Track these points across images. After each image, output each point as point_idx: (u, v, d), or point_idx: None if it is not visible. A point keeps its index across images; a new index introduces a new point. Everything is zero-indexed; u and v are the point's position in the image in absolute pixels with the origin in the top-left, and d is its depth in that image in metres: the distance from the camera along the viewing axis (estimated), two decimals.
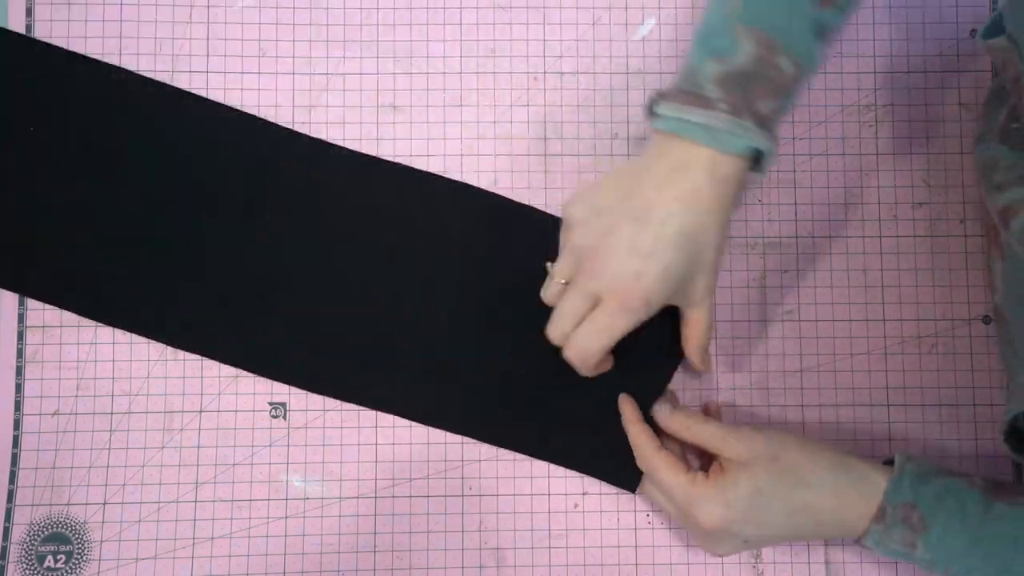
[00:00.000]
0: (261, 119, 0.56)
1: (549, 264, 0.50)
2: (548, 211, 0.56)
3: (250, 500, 0.54)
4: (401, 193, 0.55)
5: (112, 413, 0.54)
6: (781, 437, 0.50)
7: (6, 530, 0.53)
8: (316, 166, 0.55)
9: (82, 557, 0.53)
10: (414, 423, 0.54)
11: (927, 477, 0.48)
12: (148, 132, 0.55)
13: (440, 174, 0.56)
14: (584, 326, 0.48)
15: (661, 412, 0.52)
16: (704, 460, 0.53)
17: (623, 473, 0.53)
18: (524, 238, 0.55)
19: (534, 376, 0.54)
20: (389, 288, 0.55)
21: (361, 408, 0.55)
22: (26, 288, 0.54)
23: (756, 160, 0.46)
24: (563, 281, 0.49)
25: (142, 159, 0.55)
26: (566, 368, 0.50)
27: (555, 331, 0.49)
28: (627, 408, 0.53)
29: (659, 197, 0.45)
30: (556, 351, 0.49)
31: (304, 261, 0.54)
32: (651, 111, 0.46)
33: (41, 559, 0.53)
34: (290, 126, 0.56)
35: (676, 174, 0.45)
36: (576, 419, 0.54)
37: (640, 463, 0.52)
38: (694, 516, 0.48)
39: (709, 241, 0.46)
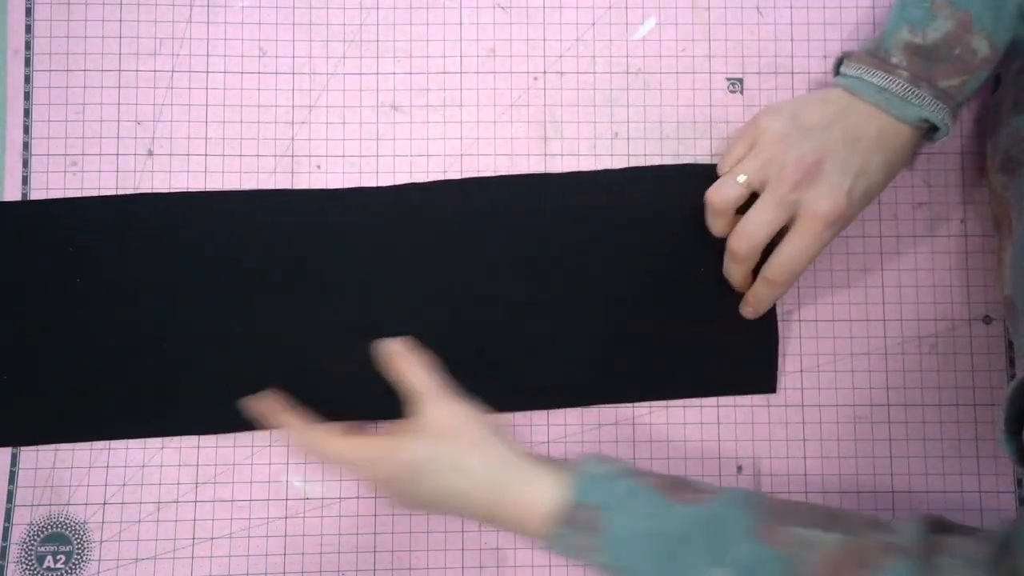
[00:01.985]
0: (231, 193, 0.55)
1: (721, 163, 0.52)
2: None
3: (250, 500, 0.54)
4: (386, 213, 0.55)
5: None
6: (479, 427, 0.48)
7: (6, 530, 0.53)
8: (287, 216, 0.55)
9: (82, 557, 0.53)
10: None
11: (616, 475, 0.46)
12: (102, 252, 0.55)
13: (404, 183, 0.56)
14: (787, 247, 0.49)
15: (386, 349, 0.51)
16: None
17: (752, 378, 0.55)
18: (527, 207, 0.56)
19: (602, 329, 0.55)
20: (407, 301, 0.55)
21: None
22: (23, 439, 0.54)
23: (931, 132, 0.49)
24: (742, 179, 0.50)
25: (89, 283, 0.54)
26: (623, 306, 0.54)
27: (745, 242, 0.49)
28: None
29: (867, 126, 0.48)
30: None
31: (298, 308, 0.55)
32: (837, 69, 0.49)
33: (41, 559, 0.53)
34: (290, 126, 0.56)
35: (852, 141, 0.48)
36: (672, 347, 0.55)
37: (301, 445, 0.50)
38: (395, 452, 0.47)
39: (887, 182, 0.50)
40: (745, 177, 0.50)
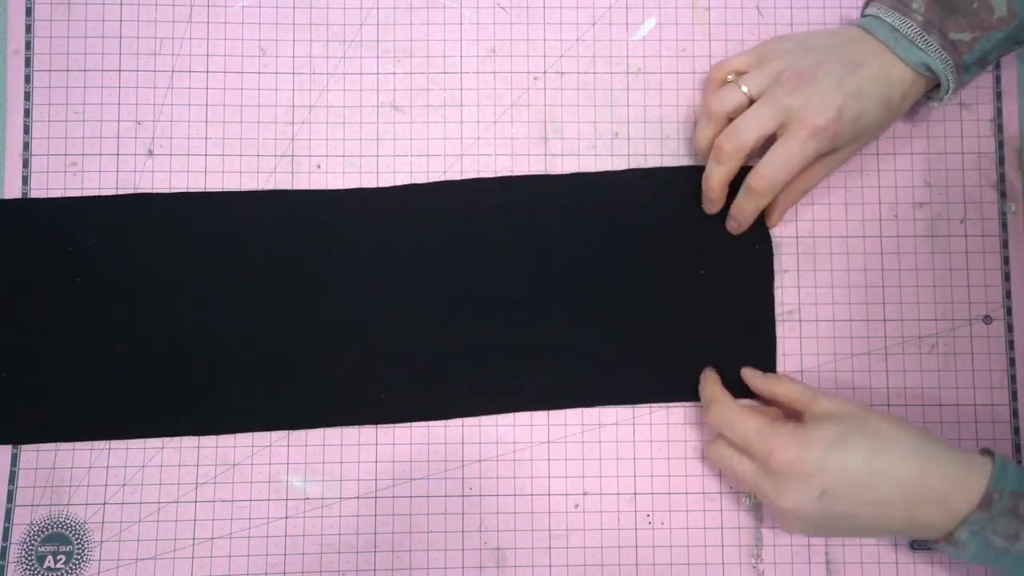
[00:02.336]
0: (229, 194, 0.55)
1: (731, 75, 0.52)
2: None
3: (250, 500, 0.54)
4: (378, 212, 0.56)
5: None
6: (871, 408, 0.50)
7: (6, 530, 0.53)
8: (286, 218, 0.55)
9: (82, 557, 0.53)
10: (414, 423, 0.55)
11: None
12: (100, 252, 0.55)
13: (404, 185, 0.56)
14: (772, 153, 0.50)
15: (750, 374, 0.53)
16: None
17: (673, 389, 0.55)
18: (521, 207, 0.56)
19: (562, 332, 0.55)
20: (386, 302, 0.55)
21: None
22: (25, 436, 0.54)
23: (934, 90, 0.51)
24: (745, 89, 0.51)
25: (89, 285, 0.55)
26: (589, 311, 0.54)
27: (734, 140, 0.50)
28: (708, 376, 0.54)
29: (872, 59, 0.50)
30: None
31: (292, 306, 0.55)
32: (863, 12, 0.52)
33: (41, 559, 0.53)
34: (290, 126, 0.56)
35: (852, 66, 0.49)
36: (616, 356, 0.55)
37: (714, 417, 0.51)
38: (771, 452, 0.47)
39: (880, 122, 0.51)
40: (747, 88, 0.51)
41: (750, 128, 0.50)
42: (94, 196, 0.55)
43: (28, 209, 0.55)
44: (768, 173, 0.50)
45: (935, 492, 0.45)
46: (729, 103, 0.51)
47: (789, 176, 0.50)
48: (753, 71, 0.51)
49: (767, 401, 0.53)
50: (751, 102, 0.51)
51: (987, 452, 0.48)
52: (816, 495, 0.46)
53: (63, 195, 0.55)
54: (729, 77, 0.52)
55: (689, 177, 0.55)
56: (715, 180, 0.52)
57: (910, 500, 0.46)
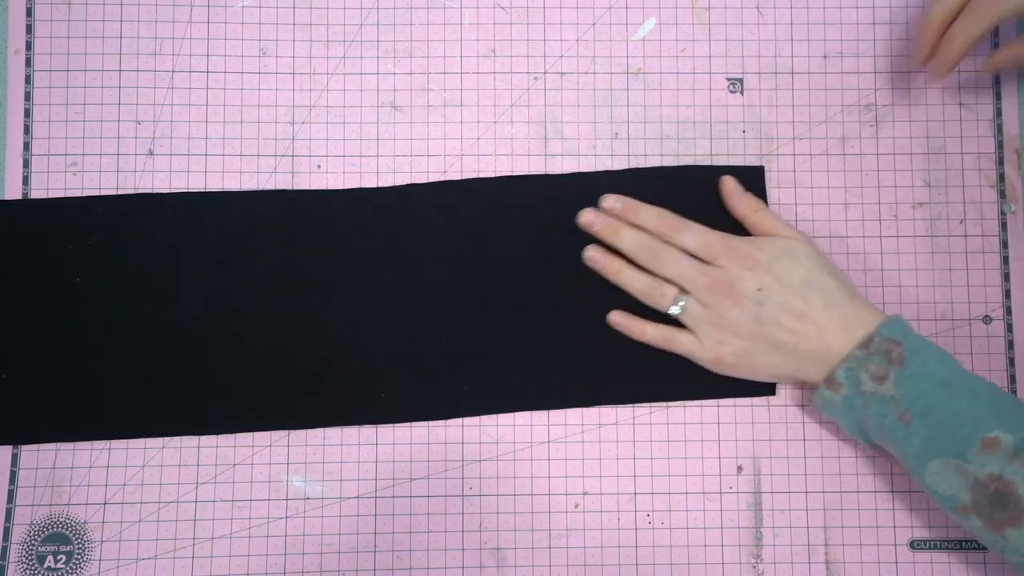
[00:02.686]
0: (231, 193, 0.55)
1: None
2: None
3: (250, 500, 0.54)
4: (370, 214, 0.56)
5: None
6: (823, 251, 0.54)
7: (6, 530, 0.53)
8: (291, 218, 0.55)
9: (82, 557, 0.53)
10: (414, 424, 0.55)
11: (916, 333, 0.50)
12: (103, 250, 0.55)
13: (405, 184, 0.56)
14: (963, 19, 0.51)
15: (730, 188, 0.55)
16: None
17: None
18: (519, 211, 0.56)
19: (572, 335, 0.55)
20: (389, 303, 0.55)
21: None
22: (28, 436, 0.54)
23: None
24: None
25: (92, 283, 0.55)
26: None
27: (941, 10, 0.51)
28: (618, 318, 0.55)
29: None
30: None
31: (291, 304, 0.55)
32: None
33: (41, 559, 0.53)
34: (290, 126, 0.56)
35: None
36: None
37: (669, 221, 0.53)
38: (725, 252, 0.51)
39: None
40: None
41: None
42: (94, 196, 0.55)
43: (28, 209, 0.55)
44: (963, 32, 0.50)
45: (844, 318, 0.50)
46: (663, 299, 0.53)
47: (977, 38, 0.51)
48: (700, 308, 0.52)
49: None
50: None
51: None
52: (754, 288, 0.51)
53: (63, 195, 0.55)
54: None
55: (689, 177, 0.55)
56: (948, 49, 0.52)
57: (828, 320, 0.50)
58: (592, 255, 0.54)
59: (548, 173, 0.56)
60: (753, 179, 0.56)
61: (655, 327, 0.53)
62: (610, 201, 0.54)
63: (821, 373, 0.51)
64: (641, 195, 0.55)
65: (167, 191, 0.55)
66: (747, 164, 0.56)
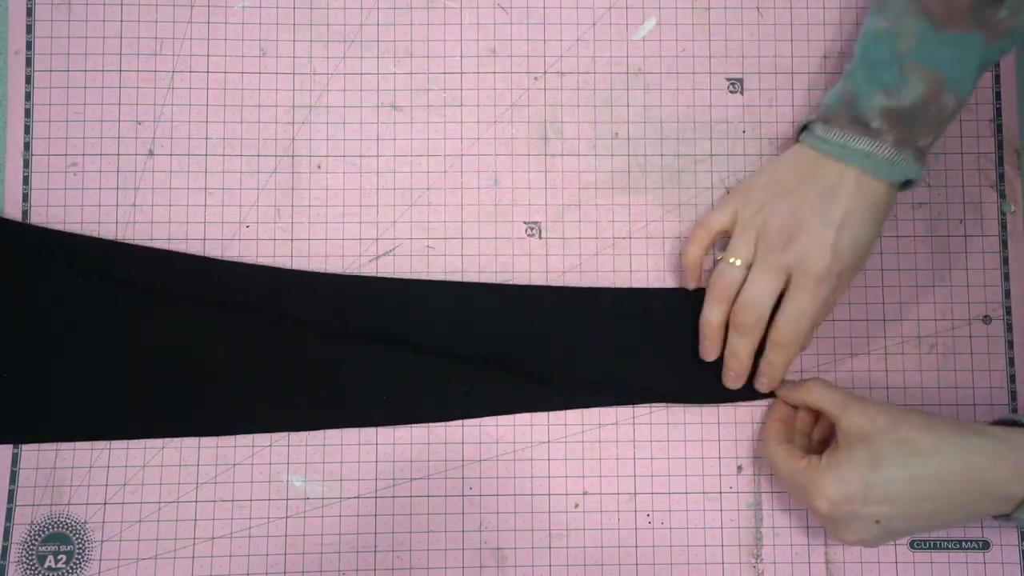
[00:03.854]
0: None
1: (717, 251, 0.52)
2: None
3: (250, 500, 0.54)
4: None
5: None
6: (903, 409, 0.49)
7: (7, 530, 0.53)
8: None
9: (83, 557, 0.53)
10: (414, 424, 0.55)
11: None
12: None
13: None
14: (786, 308, 0.50)
15: (785, 389, 0.53)
16: (819, 446, 0.54)
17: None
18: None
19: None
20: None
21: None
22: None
23: (904, 184, 0.49)
24: (739, 262, 0.50)
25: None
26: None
27: (752, 314, 0.50)
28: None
29: (845, 180, 0.49)
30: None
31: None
32: (807, 129, 0.50)
33: (42, 559, 0.53)
34: (290, 126, 0.56)
35: (828, 193, 0.49)
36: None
37: (762, 451, 0.53)
38: (812, 500, 0.48)
39: (876, 235, 0.50)
40: (738, 259, 0.51)
41: (760, 298, 0.50)
42: (93, 237, 0.55)
43: (29, 232, 0.55)
44: (789, 326, 0.50)
45: (989, 485, 0.46)
46: (731, 281, 0.51)
47: (813, 324, 0.50)
48: (737, 238, 0.51)
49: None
50: (748, 267, 0.51)
51: (1016, 423, 0.48)
52: (872, 523, 0.47)
53: (63, 195, 0.55)
54: (717, 255, 0.53)
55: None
56: (743, 353, 0.52)
57: (965, 497, 0.46)
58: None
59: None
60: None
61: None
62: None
63: (996, 511, 0.47)
64: (654, 309, 0.55)
65: (167, 190, 0.55)
66: None
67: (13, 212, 0.55)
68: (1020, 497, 0.46)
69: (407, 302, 0.55)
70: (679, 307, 0.55)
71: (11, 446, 0.54)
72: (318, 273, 0.55)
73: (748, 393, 0.54)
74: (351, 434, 0.55)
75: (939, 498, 0.46)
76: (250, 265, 0.55)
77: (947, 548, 0.54)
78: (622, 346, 0.55)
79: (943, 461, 0.46)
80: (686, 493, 0.55)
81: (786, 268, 0.49)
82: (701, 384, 0.54)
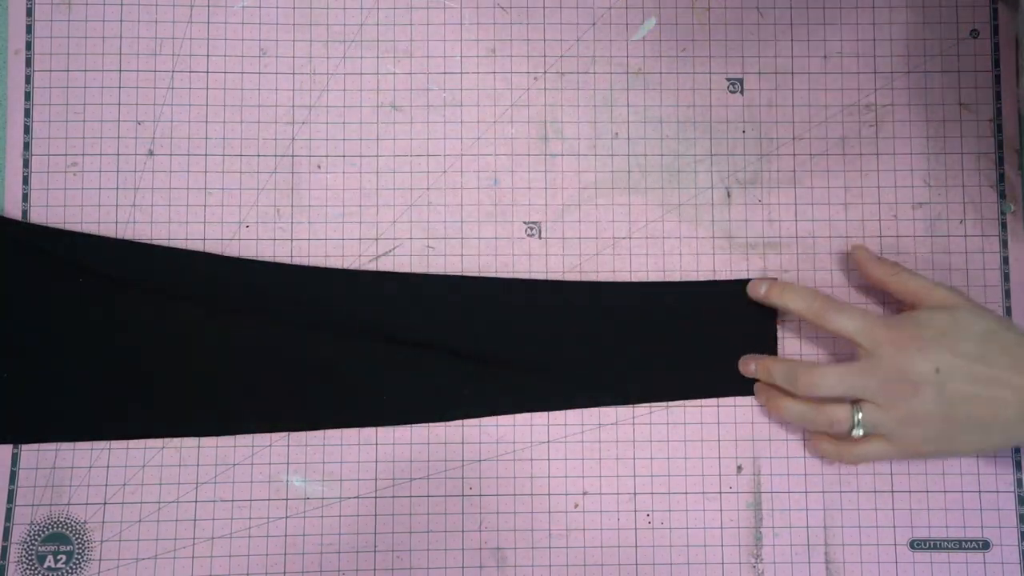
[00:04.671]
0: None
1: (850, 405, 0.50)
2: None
3: (250, 500, 0.54)
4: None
5: None
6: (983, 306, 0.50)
7: (6, 530, 0.53)
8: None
9: (82, 557, 0.53)
10: (414, 424, 0.55)
11: None
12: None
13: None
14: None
15: (863, 256, 0.53)
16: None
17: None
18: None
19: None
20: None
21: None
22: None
23: None
24: (859, 432, 0.50)
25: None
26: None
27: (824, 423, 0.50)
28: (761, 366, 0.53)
29: None
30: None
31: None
32: None
33: (41, 559, 0.53)
34: (290, 126, 0.56)
35: None
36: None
37: (804, 383, 0.50)
38: (883, 339, 0.47)
39: None
40: (862, 427, 0.50)
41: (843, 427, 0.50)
42: (95, 235, 0.55)
43: (31, 231, 0.55)
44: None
45: None
46: (837, 425, 0.50)
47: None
48: (880, 411, 0.49)
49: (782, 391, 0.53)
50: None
51: None
52: (932, 369, 0.46)
53: (63, 195, 0.55)
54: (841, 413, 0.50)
55: (706, 291, 0.56)
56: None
57: (1022, 379, 0.46)
58: (757, 397, 0.54)
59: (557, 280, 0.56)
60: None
61: (836, 447, 0.51)
62: (755, 290, 0.53)
63: None
64: (655, 307, 0.55)
65: (167, 190, 0.55)
66: (760, 275, 0.56)
67: (13, 212, 0.55)
68: None
69: (408, 295, 0.55)
70: (684, 302, 0.55)
71: (11, 446, 0.54)
72: (318, 268, 0.55)
73: (748, 388, 0.54)
74: (351, 434, 0.55)
75: (998, 367, 0.46)
76: (250, 260, 0.55)
77: (947, 548, 0.54)
78: (622, 338, 0.55)
79: (1012, 338, 0.47)
80: (686, 493, 0.55)
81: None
82: (700, 380, 0.54)
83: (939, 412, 0.47)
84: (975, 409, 0.47)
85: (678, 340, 0.55)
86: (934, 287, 0.50)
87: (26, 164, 0.56)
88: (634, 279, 0.56)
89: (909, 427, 0.48)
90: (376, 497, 0.54)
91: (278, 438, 0.54)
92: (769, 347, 0.55)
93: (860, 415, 0.49)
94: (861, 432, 0.50)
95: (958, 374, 0.46)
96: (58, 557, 0.53)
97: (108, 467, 0.54)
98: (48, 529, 0.53)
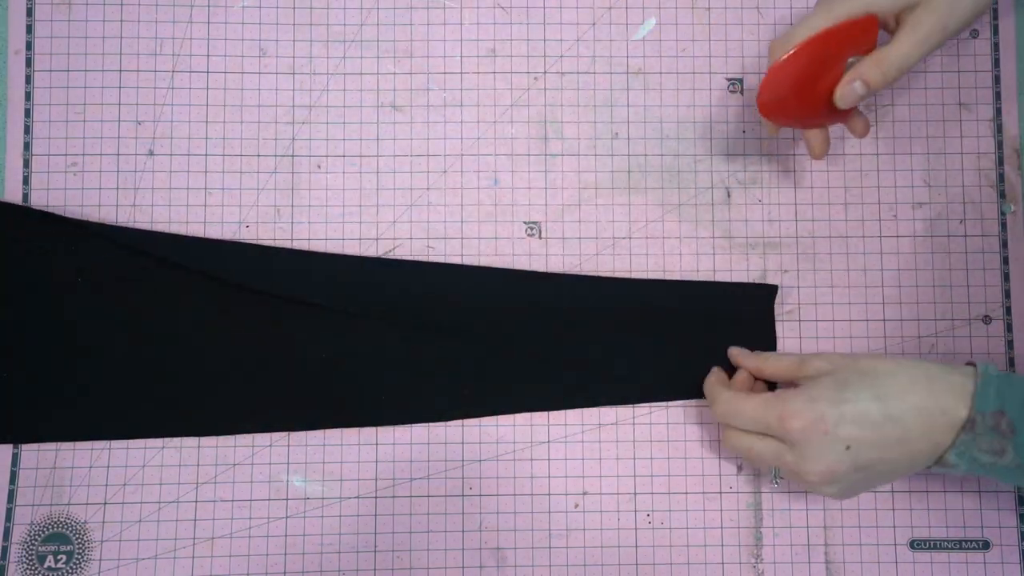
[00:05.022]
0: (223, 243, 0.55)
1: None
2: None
3: (250, 500, 0.54)
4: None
5: None
6: (854, 353, 0.52)
7: (7, 530, 0.53)
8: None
9: (83, 557, 0.53)
10: (414, 424, 0.55)
11: (1011, 381, 0.46)
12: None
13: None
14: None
15: (737, 353, 0.54)
16: None
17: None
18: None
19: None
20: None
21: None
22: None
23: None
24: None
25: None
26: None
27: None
28: (711, 374, 0.54)
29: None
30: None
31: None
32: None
33: (42, 559, 0.53)
34: (290, 126, 0.56)
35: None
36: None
37: (720, 411, 0.51)
38: (786, 423, 0.47)
39: None
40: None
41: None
42: (95, 223, 0.55)
43: (30, 216, 0.55)
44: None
45: (938, 410, 0.46)
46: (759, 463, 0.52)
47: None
48: (795, 476, 0.49)
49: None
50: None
51: (970, 365, 0.48)
52: (842, 449, 0.46)
53: (64, 195, 0.55)
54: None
55: (698, 293, 0.56)
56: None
57: (924, 424, 0.46)
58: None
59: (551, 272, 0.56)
60: (764, 299, 0.55)
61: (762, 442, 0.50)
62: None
63: (932, 460, 0.47)
64: (655, 307, 0.55)
65: (167, 190, 0.55)
66: (759, 282, 0.56)
67: None
68: (952, 440, 0.46)
69: (410, 287, 0.55)
70: (684, 301, 0.55)
71: (11, 446, 0.54)
72: (320, 253, 0.55)
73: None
74: (351, 434, 0.55)
75: (903, 422, 0.46)
76: (251, 245, 0.55)
77: (947, 548, 0.54)
78: (622, 338, 0.55)
79: (903, 380, 0.47)
80: (686, 493, 0.55)
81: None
82: (700, 381, 0.54)
83: (853, 473, 0.47)
84: (885, 466, 0.47)
85: (678, 340, 0.55)
86: (802, 360, 0.50)
87: (26, 164, 0.56)
88: (634, 278, 0.56)
89: (823, 486, 0.48)
90: (376, 497, 0.54)
91: (278, 438, 0.54)
92: (769, 347, 0.55)
93: (776, 474, 0.54)
94: (776, 482, 0.54)
95: (868, 446, 0.46)
96: (58, 557, 0.53)
97: (108, 467, 0.54)
98: (48, 529, 0.53)
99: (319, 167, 0.56)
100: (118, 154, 0.56)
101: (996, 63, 0.57)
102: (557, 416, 0.55)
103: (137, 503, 0.54)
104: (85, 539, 0.53)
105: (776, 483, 0.54)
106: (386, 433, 0.55)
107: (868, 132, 0.52)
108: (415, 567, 0.54)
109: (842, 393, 0.47)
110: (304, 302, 0.54)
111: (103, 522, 0.54)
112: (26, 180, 0.55)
